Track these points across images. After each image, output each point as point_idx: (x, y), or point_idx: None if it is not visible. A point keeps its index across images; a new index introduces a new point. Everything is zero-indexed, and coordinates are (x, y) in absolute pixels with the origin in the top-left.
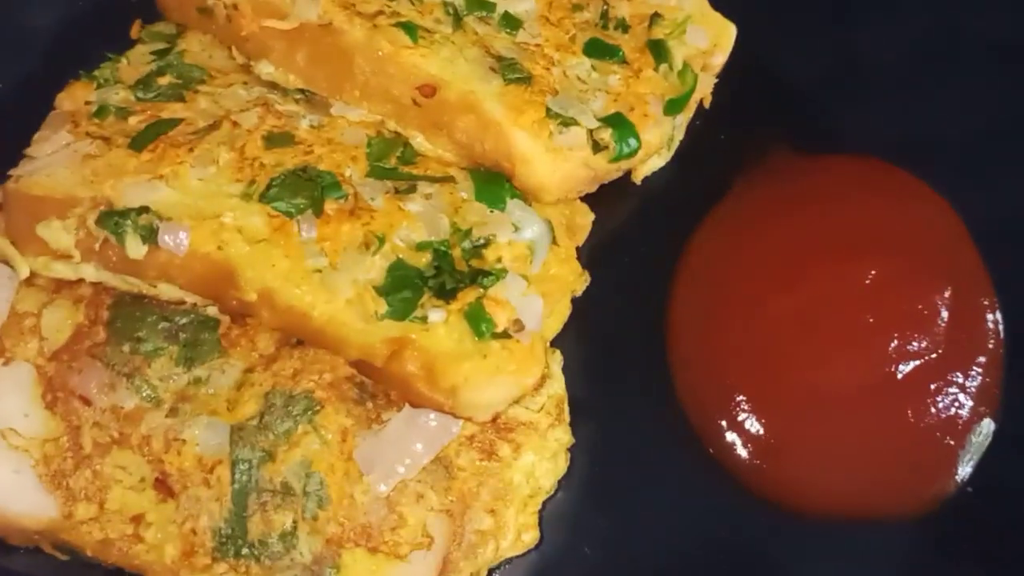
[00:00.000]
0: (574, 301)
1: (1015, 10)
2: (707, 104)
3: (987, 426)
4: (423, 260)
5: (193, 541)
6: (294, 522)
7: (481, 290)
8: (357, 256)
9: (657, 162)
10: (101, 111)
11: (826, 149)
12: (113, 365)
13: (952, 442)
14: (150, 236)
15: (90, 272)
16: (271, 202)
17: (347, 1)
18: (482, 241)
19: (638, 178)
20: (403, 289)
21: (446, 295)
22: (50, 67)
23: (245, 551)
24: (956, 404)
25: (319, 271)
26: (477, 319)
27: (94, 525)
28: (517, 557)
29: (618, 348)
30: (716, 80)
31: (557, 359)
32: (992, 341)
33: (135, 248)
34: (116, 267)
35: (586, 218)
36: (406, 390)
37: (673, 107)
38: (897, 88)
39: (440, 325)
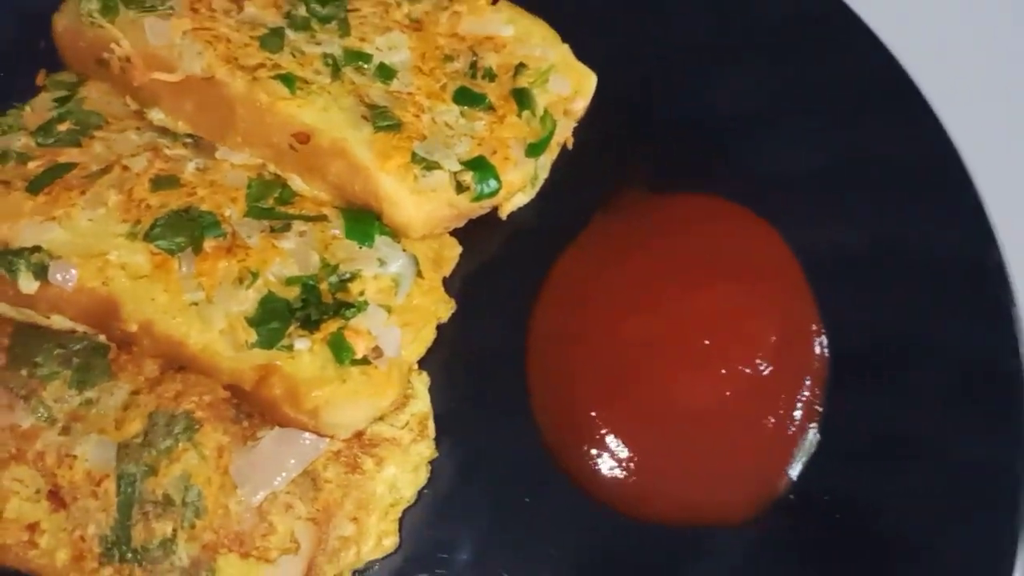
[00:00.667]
0: (443, 326)
1: (850, 49)
2: (570, 145)
3: (812, 435)
4: (293, 293)
5: (82, 547)
6: (174, 530)
7: (343, 321)
8: (231, 290)
9: (521, 199)
10: (2, 156)
11: (675, 188)
12: (11, 387)
13: (780, 453)
14: (41, 273)
15: None
16: (154, 240)
17: (230, 55)
18: (348, 275)
19: (504, 213)
20: (272, 320)
21: (311, 325)
22: None
23: (129, 556)
24: (785, 417)
25: (196, 304)
26: (338, 347)
27: None
28: (377, 560)
29: (482, 370)
30: (576, 124)
31: (423, 380)
32: (817, 362)
33: (27, 284)
34: (11, 300)
35: (453, 251)
36: (273, 412)
37: (534, 150)
38: (739, 133)
39: (305, 353)
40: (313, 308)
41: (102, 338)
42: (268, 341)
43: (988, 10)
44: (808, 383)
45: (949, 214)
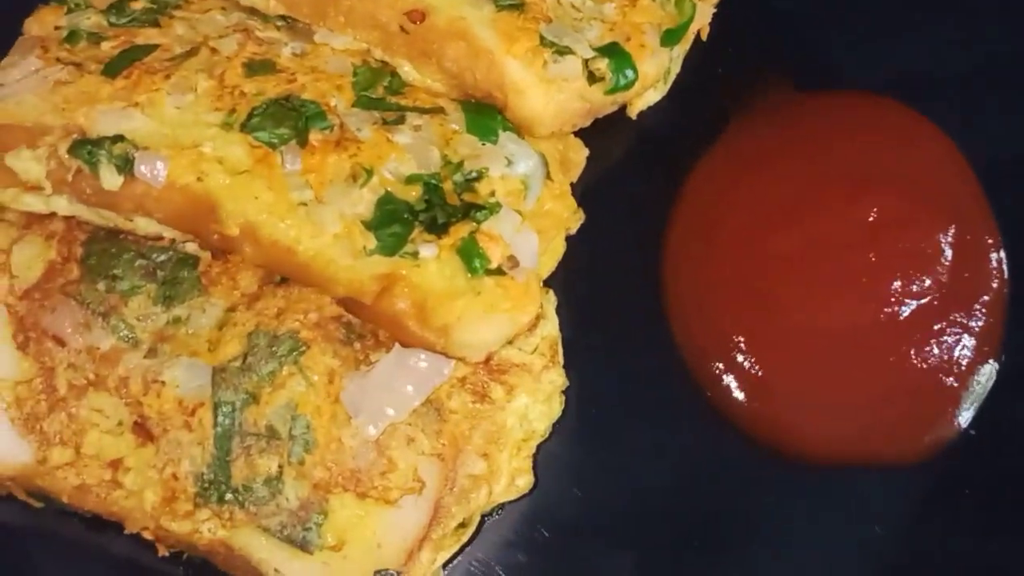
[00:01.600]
0: (567, 240)
1: None
2: (704, 36)
3: (990, 369)
4: (413, 194)
5: (174, 487)
6: (279, 467)
7: (474, 224)
8: (344, 189)
9: (653, 96)
10: (72, 36)
11: (827, 85)
12: (88, 304)
13: (954, 384)
14: (126, 166)
15: (63, 205)
16: (253, 132)
17: None
18: (474, 174)
19: (633, 112)
20: (392, 223)
21: (437, 230)
22: None
23: (229, 496)
24: (958, 346)
25: (304, 204)
26: (470, 255)
27: (70, 470)
28: (510, 502)
29: (612, 288)
30: (714, 11)
31: (551, 299)
32: (996, 281)
33: (110, 179)
34: (90, 200)
35: (580, 154)
36: (396, 329)
37: (670, 38)
38: (900, 22)
39: (431, 261)
40: (439, 210)
41: (190, 247)
42: (390, 247)
43: None
44: (984, 306)
45: None
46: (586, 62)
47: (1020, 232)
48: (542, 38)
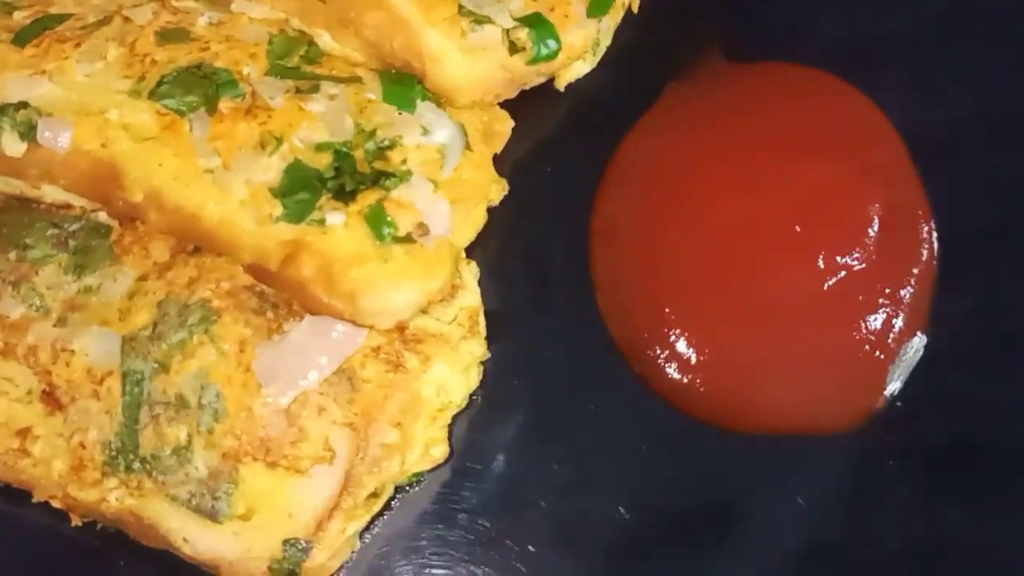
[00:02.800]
0: (495, 211)
1: None
2: (635, 8)
3: (918, 341)
4: (323, 161)
5: (82, 455)
6: (188, 436)
7: (383, 192)
8: (252, 156)
9: (582, 67)
10: None
11: (760, 56)
12: None
13: (882, 356)
14: (29, 133)
15: None
16: (161, 99)
17: None
18: (387, 143)
19: (561, 84)
20: (300, 191)
21: (346, 196)
22: None
23: (137, 465)
24: (887, 317)
25: (211, 171)
26: (378, 221)
27: None
28: (427, 472)
29: (540, 260)
30: None
31: (472, 270)
32: (925, 253)
33: (12, 145)
34: None
35: (505, 125)
36: (303, 296)
37: (597, 8)
38: None
39: (339, 228)
40: (347, 177)
41: (102, 217)
42: (296, 214)
43: None
44: (915, 278)
45: None
46: (507, 32)
47: (949, 204)
48: (461, 7)
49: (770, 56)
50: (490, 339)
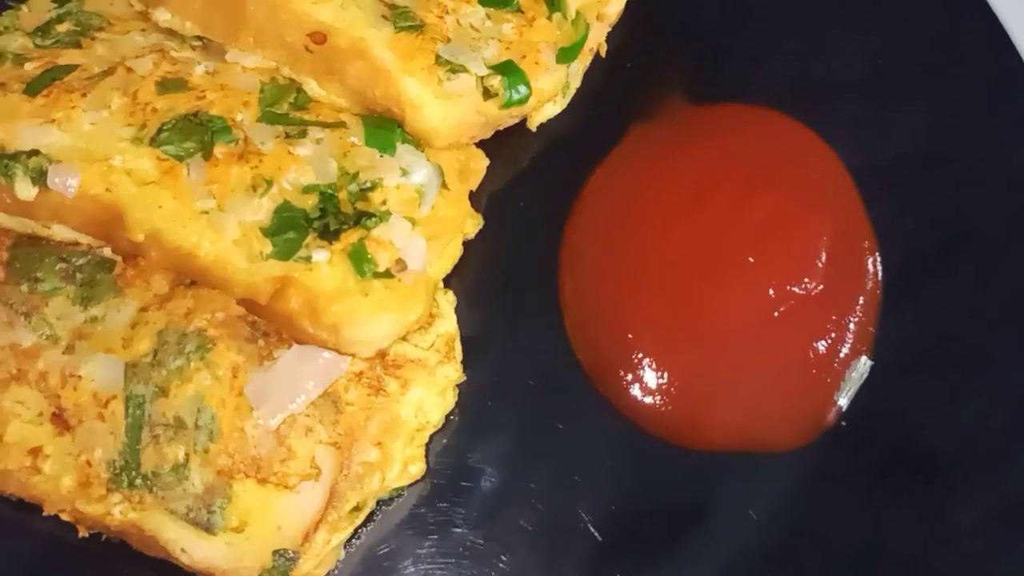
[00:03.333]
0: (472, 243)
1: None
2: (603, 53)
3: (863, 363)
4: (309, 202)
5: (88, 473)
6: (186, 454)
7: (364, 231)
8: (244, 198)
9: (552, 109)
10: None
11: (718, 98)
12: (11, 304)
13: (830, 379)
14: (40, 178)
15: None
16: (161, 145)
17: None
18: (368, 184)
19: (533, 124)
20: (288, 230)
21: (330, 236)
22: None
23: (138, 482)
24: (834, 341)
25: (206, 212)
26: (359, 259)
27: None
28: (405, 487)
29: (513, 290)
30: (609, 30)
31: (449, 299)
32: (870, 282)
33: (25, 190)
34: (9, 208)
35: (480, 163)
36: (291, 327)
37: (566, 55)
38: (785, 38)
39: (323, 265)
40: (332, 217)
41: (107, 252)
42: (284, 252)
43: None
44: (860, 304)
45: (1009, 114)
46: (481, 79)
47: (893, 236)
48: (438, 57)
49: (727, 97)
50: (466, 363)
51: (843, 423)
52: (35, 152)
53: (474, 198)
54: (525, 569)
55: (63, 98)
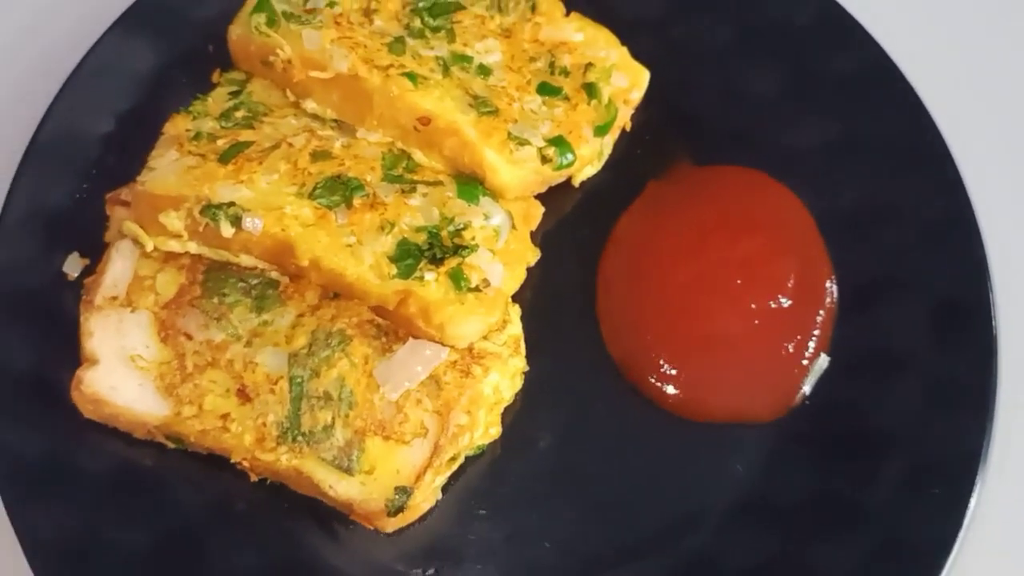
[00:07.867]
0: (531, 270)
1: (850, 49)
2: (628, 128)
3: (823, 359)
4: (421, 238)
5: (263, 431)
6: (332, 418)
7: (460, 259)
8: (375, 235)
9: (591, 170)
10: (197, 136)
11: (715, 161)
12: (206, 312)
13: (796, 371)
14: (236, 222)
15: (193, 247)
16: (316, 199)
17: (367, 57)
18: (461, 225)
19: (576, 182)
20: (407, 258)
21: (436, 262)
22: (156, 103)
23: (299, 438)
24: (800, 343)
25: (350, 246)
26: (457, 278)
27: (195, 421)
28: (486, 445)
29: (561, 304)
30: (633, 111)
31: (516, 310)
32: (828, 299)
33: (227, 230)
34: (212, 243)
35: (538, 210)
36: (409, 327)
37: (601, 131)
38: (766, 118)
39: (432, 282)
40: (437, 249)
41: (275, 274)
42: (405, 273)
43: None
44: (820, 316)
45: (928, 179)
46: (540, 149)
47: (845, 266)
48: (509, 134)
49: (722, 161)
50: (528, 357)
51: (807, 403)
52: (231, 203)
53: (533, 236)
54: (566, 510)
55: (246, 165)
